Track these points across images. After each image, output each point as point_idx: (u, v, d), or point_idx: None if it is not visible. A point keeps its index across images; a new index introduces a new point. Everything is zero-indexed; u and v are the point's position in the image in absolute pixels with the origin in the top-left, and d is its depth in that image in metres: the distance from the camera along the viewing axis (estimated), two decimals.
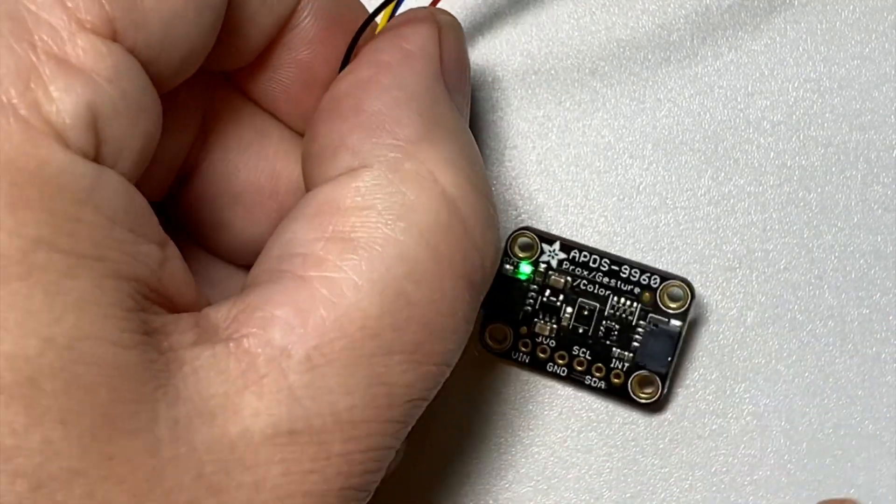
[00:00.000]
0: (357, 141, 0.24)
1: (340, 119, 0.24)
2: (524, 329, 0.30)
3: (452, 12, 0.27)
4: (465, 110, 0.26)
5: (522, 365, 0.31)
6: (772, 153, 0.31)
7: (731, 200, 0.31)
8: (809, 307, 0.31)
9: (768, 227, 0.31)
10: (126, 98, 0.21)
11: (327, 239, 0.23)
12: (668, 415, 0.31)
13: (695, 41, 0.31)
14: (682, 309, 0.30)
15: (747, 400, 0.31)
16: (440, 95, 0.25)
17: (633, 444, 0.31)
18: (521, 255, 0.30)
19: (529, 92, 0.31)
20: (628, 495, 0.31)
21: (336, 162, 0.24)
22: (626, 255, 0.31)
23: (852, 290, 0.31)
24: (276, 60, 0.27)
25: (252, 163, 0.27)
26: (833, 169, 0.31)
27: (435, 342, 0.23)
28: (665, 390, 0.30)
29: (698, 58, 0.31)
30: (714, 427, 0.31)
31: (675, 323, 0.30)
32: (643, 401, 0.30)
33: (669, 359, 0.30)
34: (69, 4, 0.21)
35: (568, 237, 0.31)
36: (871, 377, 0.31)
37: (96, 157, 0.21)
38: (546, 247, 0.30)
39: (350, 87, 0.25)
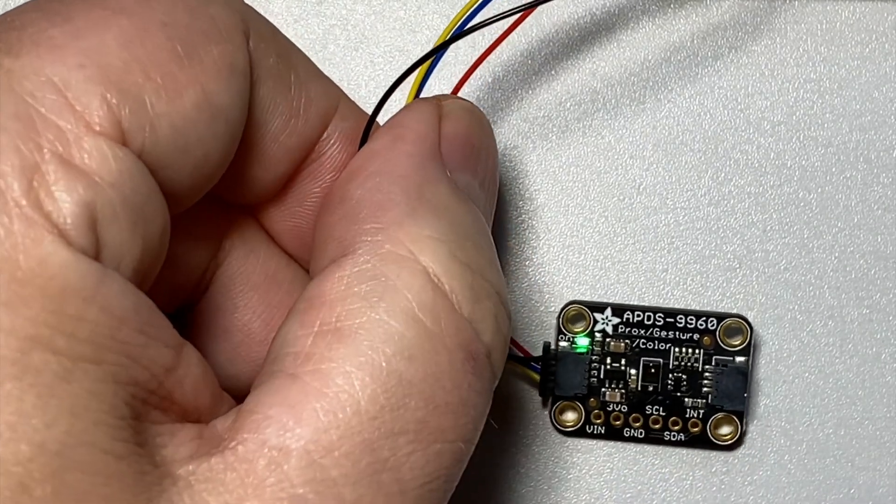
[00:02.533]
0: (342, 230, 0.24)
1: (329, 212, 0.24)
2: (593, 401, 0.31)
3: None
4: (477, 191, 0.26)
5: (599, 437, 0.31)
6: (772, 153, 0.31)
7: (731, 200, 0.31)
8: (809, 307, 0.31)
9: (768, 228, 0.31)
10: (127, 203, 0.21)
11: (315, 333, 0.22)
12: None
13: (695, 41, 0.31)
14: (744, 344, 0.30)
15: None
16: (432, 174, 0.25)
17: (633, 444, 0.31)
18: (575, 329, 0.30)
19: (530, 92, 0.31)
20: (628, 495, 0.31)
21: (325, 254, 0.24)
22: (627, 257, 0.31)
23: (852, 290, 0.31)
24: (302, 192, 0.27)
25: (251, 306, 0.27)
26: (833, 169, 0.31)
27: (442, 418, 0.23)
28: (744, 427, 0.31)
29: (698, 58, 0.31)
30: None
31: (741, 359, 0.30)
32: (725, 443, 0.31)
33: (746, 395, 0.30)
34: (78, 108, 0.21)
35: (568, 238, 0.31)
36: (871, 377, 0.31)
37: (97, 259, 0.21)
38: (598, 315, 0.30)
39: (341, 179, 0.25)
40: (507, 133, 0.31)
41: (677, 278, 0.31)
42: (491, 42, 0.29)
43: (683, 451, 0.31)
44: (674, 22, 0.31)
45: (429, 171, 0.25)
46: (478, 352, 0.23)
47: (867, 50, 0.31)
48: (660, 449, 0.31)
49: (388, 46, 0.32)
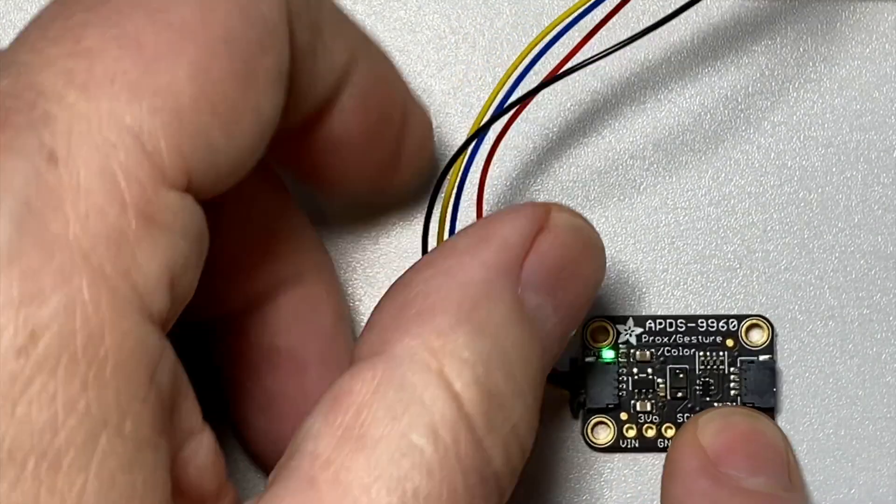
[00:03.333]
0: (390, 319, 0.23)
1: (388, 298, 0.24)
2: (624, 415, 0.30)
3: None
4: (548, 312, 0.25)
5: (634, 450, 0.31)
6: (772, 153, 0.31)
7: (731, 200, 0.31)
8: (809, 307, 0.31)
9: (768, 228, 0.31)
10: (195, 252, 0.21)
11: (338, 437, 0.22)
12: None
13: (695, 41, 0.31)
14: (767, 342, 0.30)
15: None
16: (498, 289, 0.24)
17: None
18: (599, 343, 0.30)
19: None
20: (628, 495, 0.31)
21: (365, 344, 0.23)
22: (627, 257, 0.31)
23: (852, 290, 0.31)
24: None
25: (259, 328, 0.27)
26: (833, 169, 0.31)
27: None
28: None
29: (698, 58, 0.31)
30: None
31: (765, 357, 0.30)
32: None
33: (774, 389, 0.30)
34: (155, 160, 0.20)
35: None
36: (871, 377, 0.31)
37: (164, 320, 0.20)
38: (621, 327, 0.30)
39: (412, 268, 0.24)
40: (508, 133, 0.31)
41: (677, 278, 0.31)
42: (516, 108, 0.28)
43: None
44: (674, 22, 0.31)
45: (494, 286, 0.24)
46: (487, 476, 0.23)
47: (867, 50, 0.31)
48: (661, 450, 0.31)
49: (388, 46, 0.31)
